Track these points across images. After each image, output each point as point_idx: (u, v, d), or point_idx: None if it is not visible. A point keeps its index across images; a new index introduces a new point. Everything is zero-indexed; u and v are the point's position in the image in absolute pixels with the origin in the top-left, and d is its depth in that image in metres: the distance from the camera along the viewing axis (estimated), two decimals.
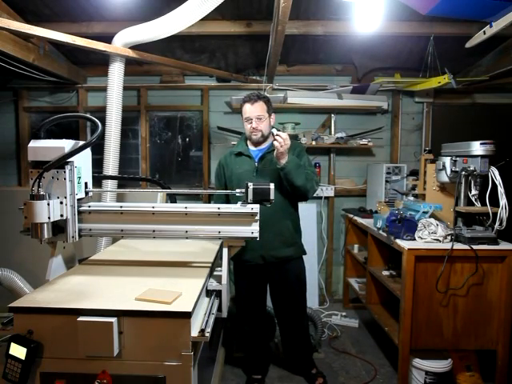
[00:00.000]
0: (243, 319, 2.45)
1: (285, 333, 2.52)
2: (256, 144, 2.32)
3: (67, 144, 1.46)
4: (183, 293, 1.37)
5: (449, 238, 2.25)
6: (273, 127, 2.26)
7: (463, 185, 2.29)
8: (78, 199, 1.55)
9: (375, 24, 2.59)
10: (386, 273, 2.70)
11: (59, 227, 1.51)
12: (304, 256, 2.41)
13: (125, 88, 2.95)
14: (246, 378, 2.48)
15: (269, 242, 2.20)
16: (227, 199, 2.34)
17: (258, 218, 1.56)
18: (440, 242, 2.23)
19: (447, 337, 2.26)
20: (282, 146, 2.03)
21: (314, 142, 3.58)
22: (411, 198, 2.66)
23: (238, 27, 3.00)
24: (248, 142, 2.36)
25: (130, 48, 2.79)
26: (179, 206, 1.59)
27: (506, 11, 2.14)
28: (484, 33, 2.37)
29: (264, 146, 2.32)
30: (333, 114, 3.76)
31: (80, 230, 1.57)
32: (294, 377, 2.55)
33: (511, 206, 2.16)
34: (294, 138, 3.49)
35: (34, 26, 2.41)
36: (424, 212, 2.35)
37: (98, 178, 2.47)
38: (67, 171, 1.47)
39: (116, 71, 2.83)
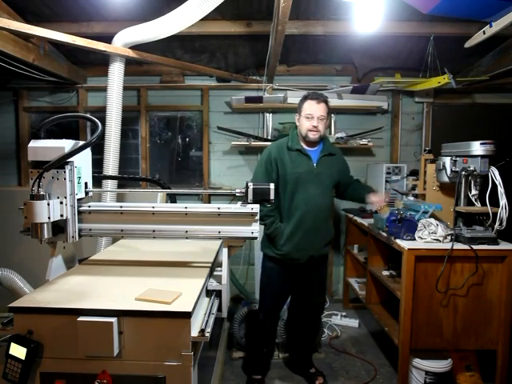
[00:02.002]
0: (269, 315, 2.43)
1: (296, 329, 2.53)
2: (308, 144, 2.26)
3: (67, 144, 1.46)
4: (183, 293, 1.37)
5: (449, 237, 2.25)
6: None
7: (463, 185, 2.29)
8: (78, 199, 1.55)
9: (375, 24, 2.59)
10: (385, 273, 2.69)
11: (59, 227, 1.51)
12: None
13: (125, 88, 2.95)
14: (246, 378, 2.49)
15: (318, 242, 2.30)
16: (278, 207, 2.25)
17: (257, 217, 1.56)
18: (440, 241, 2.23)
19: (447, 337, 2.26)
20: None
21: None
22: (411, 198, 2.66)
23: (238, 27, 3.00)
24: (300, 140, 2.28)
25: (130, 48, 2.79)
26: (179, 206, 1.59)
27: (506, 11, 2.14)
28: (484, 33, 2.36)
29: (318, 146, 2.28)
30: (333, 114, 3.75)
31: (80, 230, 1.57)
32: (294, 376, 2.55)
33: (511, 206, 2.16)
34: None
35: (34, 26, 2.41)
36: (424, 212, 2.35)
37: (98, 178, 2.47)
38: (67, 171, 1.47)
39: (116, 71, 2.83)
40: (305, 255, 2.27)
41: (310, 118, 2.18)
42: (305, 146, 2.26)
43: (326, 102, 2.21)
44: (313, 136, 2.20)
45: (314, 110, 2.17)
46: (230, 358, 2.72)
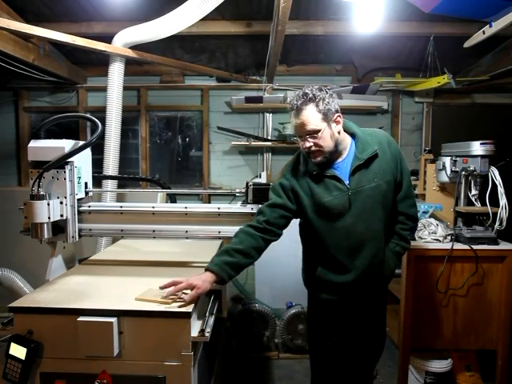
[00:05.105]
0: None
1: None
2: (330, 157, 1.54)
3: (67, 144, 1.47)
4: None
5: (449, 237, 2.25)
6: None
7: (463, 185, 2.29)
8: (78, 199, 1.55)
9: (375, 24, 2.59)
10: None
11: (59, 227, 1.52)
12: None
13: (125, 88, 2.95)
14: (245, 378, 2.48)
15: (380, 278, 1.65)
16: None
17: None
18: (440, 242, 2.23)
19: (447, 337, 2.26)
20: None
21: None
22: None
23: (238, 27, 3.00)
24: None
25: (130, 48, 2.80)
26: (179, 206, 1.59)
27: (506, 11, 2.14)
28: (483, 33, 2.36)
29: (346, 155, 1.56)
30: None
31: (80, 230, 1.58)
32: (294, 376, 2.55)
33: (511, 206, 2.16)
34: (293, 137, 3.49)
35: (34, 26, 2.41)
36: (424, 212, 2.35)
37: (98, 178, 2.47)
38: (67, 171, 1.47)
39: (116, 71, 2.83)
40: (363, 296, 1.64)
41: (300, 138, 1.52)
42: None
43: (313, 103, 1.44)
44: (314, 160, 1.51)
45: (297, 127, 1.50)
46: (230, 358, 2.72)
